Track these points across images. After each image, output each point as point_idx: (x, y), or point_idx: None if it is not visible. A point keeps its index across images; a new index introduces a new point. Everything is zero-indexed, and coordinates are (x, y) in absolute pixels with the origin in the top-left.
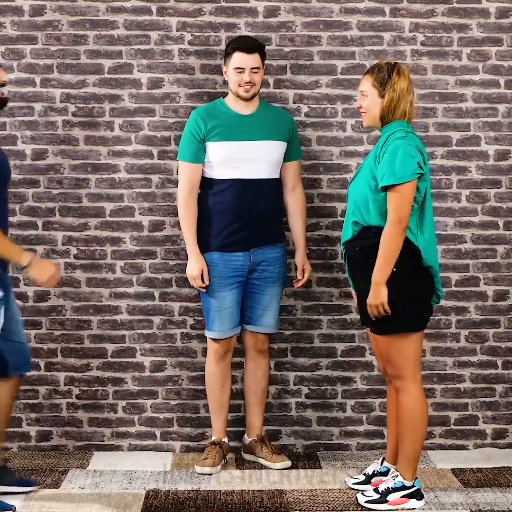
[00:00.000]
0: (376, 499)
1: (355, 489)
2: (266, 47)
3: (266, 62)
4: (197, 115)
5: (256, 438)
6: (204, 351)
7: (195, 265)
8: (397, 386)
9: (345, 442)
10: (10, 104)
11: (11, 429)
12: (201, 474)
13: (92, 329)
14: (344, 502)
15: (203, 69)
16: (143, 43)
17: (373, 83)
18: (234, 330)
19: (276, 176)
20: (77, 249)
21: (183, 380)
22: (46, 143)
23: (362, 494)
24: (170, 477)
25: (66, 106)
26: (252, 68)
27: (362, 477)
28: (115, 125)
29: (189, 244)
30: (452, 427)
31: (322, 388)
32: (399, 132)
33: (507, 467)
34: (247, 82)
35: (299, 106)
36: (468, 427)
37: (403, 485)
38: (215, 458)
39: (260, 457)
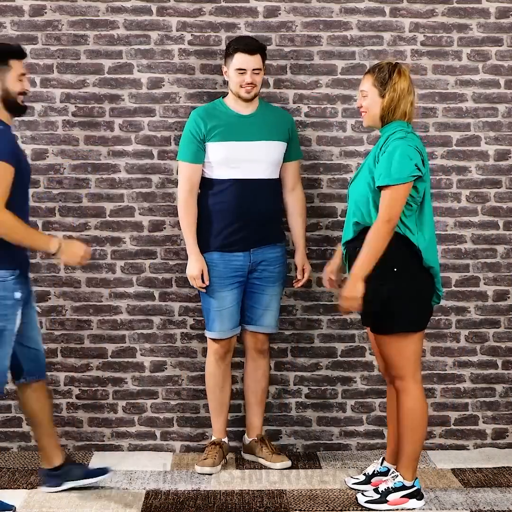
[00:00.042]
0: (376, 499)
1: (355, 489)
2: (266, 47)
3: (266, 62)
4: (197, 115)
5: (256, 438)
6: (204, 351)
7: (195, 265)
8: (397, 386)
9: (345, 442)
10: None
11: (11, 429)
12: (201, 474)
13: (92, 329)
14: (344, 502)
15: (203, 69)
16: (143, 43)
17: (373, 82)
18: (234, 330)
19: (276, 176)
20: None
21: (183, 380)
22: (46, 143)
23: (362, 494)
24: (170, 477)
25: (66, 106)
26: (253, 69)
27: (362, 477)
28: (115, 125)
29: (189, 244)
30: (452, 427)
31: (322, 388)
32: (399, 132)
33: (507, 467)
34: (248, 83)
35: (299, 106)
36: (468, 427)
37: (403, 485)
38: (215, 458)
39: (260, 457)
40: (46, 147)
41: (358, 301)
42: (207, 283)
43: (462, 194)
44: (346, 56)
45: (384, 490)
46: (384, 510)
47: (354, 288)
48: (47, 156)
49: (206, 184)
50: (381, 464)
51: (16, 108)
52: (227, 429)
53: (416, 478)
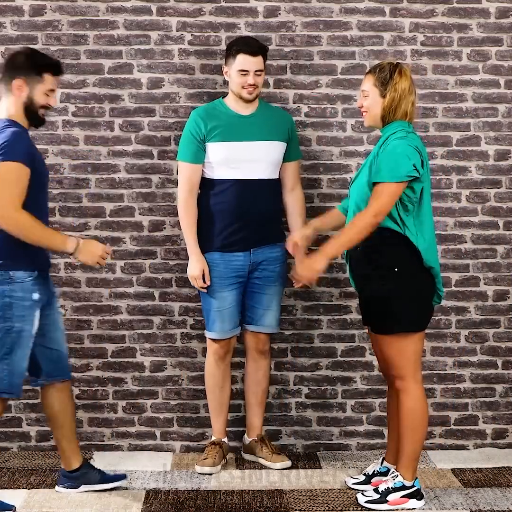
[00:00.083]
0: (376, 499)
1: (355, 489)
2: (268, 48)
3: (267, 62)
4: (197, 116)
5: (256, 438)
6: (204, 351)
7: (196, 266)
8: (397, 386)
9: (345, 442)
10: None
11: (11, 429)
12: (201, 474)
13: (92, 329)
14: (344, 502)
15: (203, 69)
16: (143, 43)
17: (374, 82)
18: (234, 330)
19: (276, 176)
20: None
21: (183, 380)
22: (46, 143)
23: (362, 494)
24: (170, 477)
25: (66, 106)
26: (256, 71)
27: (362, 477)
28: (115, 125)
29: (189, 244)
30: (452, 427)
31: (322, 388)
32: (400, 132)
33: (507, 467)
34: (251, 85)
35: (299, 106)
36: (468, 427)
37: (403, 485)
38: (215, 458)
39: (260, 457)
40: (46, 147)
41: (316, 275)
42: (208, 283)
43: (462, 194)
44: (346, 56)
45: (384, 490)
46: (384, 510)
47: (318, 263)
48: (47, 156)
49: (206, 185)
50: (381, 464)
51: (34, 119)
52: (227, 429)
53: (416, 478)
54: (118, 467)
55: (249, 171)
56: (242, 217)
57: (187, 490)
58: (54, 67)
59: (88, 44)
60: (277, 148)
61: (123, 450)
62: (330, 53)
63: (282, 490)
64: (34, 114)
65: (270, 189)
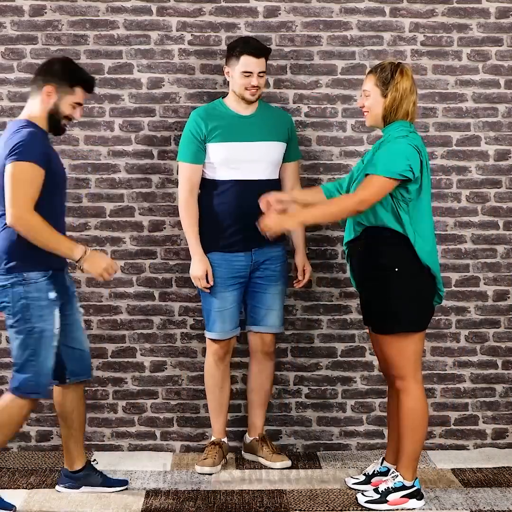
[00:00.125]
0: (376, 499)
1: (355, 489)
2: (271, 50)
3: (267, 62)
4: (198, 116)
5: (257, 437)
6: (204, 351)
7: (199, 266)
8: (397, 386)
9: (345, 442)
10: (10, 104)
11: None
12: (201, 474)
13: (92, 329)
14: (344, 502)
15: (203, 69)
16: (143, 43)
17: (375, 82)
18: (234, 331)
19: (276, 176)
20: None
21: (183, 380)
22: None
23: (362, 494)
24: (170, 477)
25: None
26: (259, 73)
27: (362, 477)
28: (115, 125)
29: (191, 244)
30: (452, 427)
31: (322, 388)
32: (401, 131)
33: (507, 467)
34: (254, 86)
35: (299, 106)
36: (468, 427)
37: (403, 485)
38: (215, 458)
39: (260, 457)
40: None
41: (280, 231)
42: (211, 283)
43: (462, 194)
44: (346, 56)
45: (384, 490)
46: (384, 510)
47: (288, 222)
48: None
49: (206, 185)
50: (381, 464)
51: (56, 127)
52: (227, 429)
53: (416, 478)
54: (118, 467)
55: (249, 171)
56: (242, 217)
57: (187, 490)
58: (87, 83)
59: (88, 44)
60: (277, 149)
61: (123, 450)
62: (330, 53)
63: (282, 490)
64: (56, 123)
65: (270, 189)
